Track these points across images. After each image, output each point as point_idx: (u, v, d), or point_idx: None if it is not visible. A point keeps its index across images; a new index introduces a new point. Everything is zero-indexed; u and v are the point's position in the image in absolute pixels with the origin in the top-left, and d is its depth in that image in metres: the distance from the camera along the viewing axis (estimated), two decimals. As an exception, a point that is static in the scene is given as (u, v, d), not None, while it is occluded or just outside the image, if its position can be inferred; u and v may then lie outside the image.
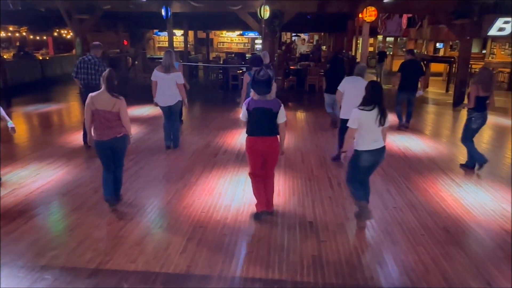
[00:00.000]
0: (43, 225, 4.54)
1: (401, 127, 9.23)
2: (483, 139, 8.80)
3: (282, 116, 4.41)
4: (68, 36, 21.64)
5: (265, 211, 4.67)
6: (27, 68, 14.81)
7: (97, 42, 7.25)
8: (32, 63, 15.46)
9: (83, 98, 6.03)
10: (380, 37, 24.15)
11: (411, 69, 9.05)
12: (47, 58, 17.14)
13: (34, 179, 5.83)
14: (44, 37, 22.04)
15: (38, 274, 3.60)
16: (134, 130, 8.59)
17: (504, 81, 16.00)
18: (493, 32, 12.18)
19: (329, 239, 4.27)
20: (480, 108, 6.38)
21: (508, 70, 15.65)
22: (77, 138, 7.94)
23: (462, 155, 7.35)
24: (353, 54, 18.80)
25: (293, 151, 7.37)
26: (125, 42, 21.14)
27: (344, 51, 20.06)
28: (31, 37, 22.38)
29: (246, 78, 6.92)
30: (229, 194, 5.39)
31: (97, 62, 7.00)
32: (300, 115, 10.60)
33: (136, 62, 19.41)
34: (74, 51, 14.78)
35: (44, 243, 4.11)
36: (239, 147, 7.54)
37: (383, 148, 4.46)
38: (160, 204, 5.09)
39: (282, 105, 4.42)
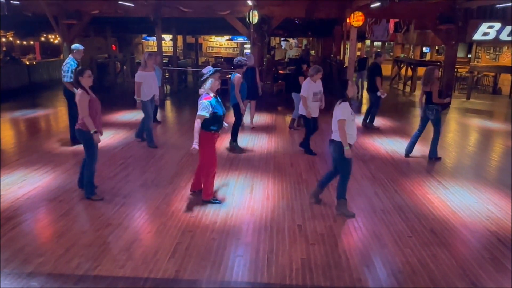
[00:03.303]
0: (30, 232, 4.49)
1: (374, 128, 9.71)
2: (469, 142, 8.95)
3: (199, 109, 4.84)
4: (56, 41, 21.47)
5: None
6: (14, 73, 14.64)
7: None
8: (19, 68, 15.28)
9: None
10: (368, 42, 24.40)
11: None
12: (34, 63, 16.95)
13: (21, 185, 5.76)
14: (31, 42, 21.81)
15: (25, 281, 3.56)
16: (123, 135, 8.54)
17: (489, 85, 16.27)
18: (477, 36, 12.40)
19: (317, 242, 4.30)
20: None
21: (493, 74, 15.92)
22: (65, 144, 7.88)
23: (449, 158, 7.47)
24: (341, 58, 18.95)
25: (282, 155, 7.40)
26: (114, 47, 21.04)
27: (332, 55, 20.25)
28: (18, 42, 22.15)
29: (239, 79, 7.53)
30: (218, 198, 5.39)
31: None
32: (289, 119, 10.63)
33: (125, 67, 19.31)
34: (61, 56, 14.66)
35: (31, 250, 4.07)
36: (227, 152, 7.55)
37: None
38: (149, 209, 5.07)
39: (203, 99, 4.85)
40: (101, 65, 17.66)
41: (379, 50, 24.00)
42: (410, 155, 7.40)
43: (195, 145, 4.87)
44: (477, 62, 17.59)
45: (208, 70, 4.91)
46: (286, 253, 4.08)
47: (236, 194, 5.56)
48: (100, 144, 7.74)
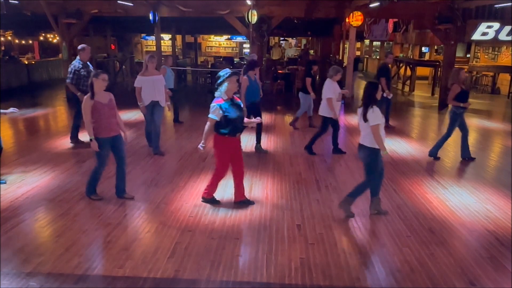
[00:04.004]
0: (29, 232, 4.50)
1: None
2: (468, 142, 8.95)
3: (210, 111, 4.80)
4: (55, 40, 21.44)
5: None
6: (13, 72, 14.63)
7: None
8: (18, 68, 15.27)
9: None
10: (367, 42, 24.43)
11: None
12: (33, 62, 16.94)
13: (20, 184, 5.76)
14: (30, 41, 21.81)
15: (24, 281, 3.56)
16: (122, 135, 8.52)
17: (488, 85, 16.29)
18: (476, 36, 12.42)
19: (316, 242, 4.31)
20: None
21: (491, 74, 15.95)
22: (64, 143, 7.89)
23: (447, 157, 7.48)
24: (341, 58, 18.97)
25: (281, 155, 7.41)
26: (113, 47, 21.04)
27: (331, 55, 20.26)
28: (17, 41, 22.12)
29: (245, 82, 7.09)
30: (217, 198, 5.39)
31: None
32: (289, 119, 10.64)
33: (124, 67, 19.30)
34: (60, 55, 14.65)
35: (31, 250, 4.07)
36: (227, 151, 7.54)
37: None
38: (148, 208, 5.08)
39: (214, 103, 4.79)
40: (101, 65, 17.65)
41: (374, 50, 24.04)
42: (467, 157, 7.26)
43: (200, 146, 4.97)
44: (476, 62, 17.61)
45: (225, 72, 4.82)
46: (285, 252, 4.09)
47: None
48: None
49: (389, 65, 9.64)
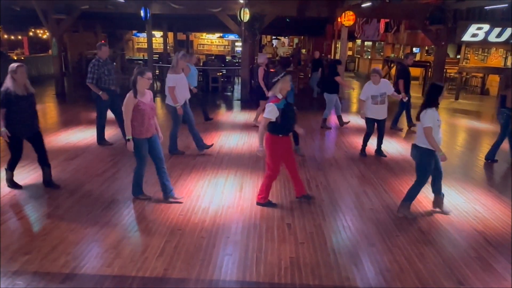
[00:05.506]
0: (15, 230, 4.42)
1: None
2: (457, 142, 9.04)
3: (265, 111, 4.76)
4: (45, 36, 21.21)
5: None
6: (1, 68, 14.38)
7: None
8: (7, 64, 14.99)
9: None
10: (358, 41, 24.54)
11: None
12: (23, 58, 16.72)
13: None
14: (20, 37, 21.53)
15: (10, 280, 3.51)
16: (112, 132, 8.44)
17: (478, 86, 16.45)
18: (467, 37, 12.53)
19: (306, 241, 4.31)
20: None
21: (481, 75, 16.11)
22: (52, 140, 7.79)
23: (436, 157, 7.52)
24: (332, 57, 19.01)
25: (272, 154, 7.39)
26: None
27: (323, 54, 20.31)
28: (6, 36, 21.82)
29: None
30: (207, 196, 5.38)
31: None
32: (280, 117, 10.65)
33: (115, 64, 19.12)
34: (50, 51, 14.48)
35: (17, 248, 4.01)
36: (218, 150, 7.53)
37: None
38: (138, 207, 5.03)
39: (270, 103, 4.72)
40: (91, 61, 17.49)
41: (366, 50, 24.14)
42: (493, 159, 7.24)
43: (260, 150, 4.89)
44: (466, 63, 17.77)
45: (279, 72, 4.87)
46: (275, 251, 4.08)
47: (226, 192, 5.54)
48: (89, 141, 7.74)
49: (409, 67, 9.60)
